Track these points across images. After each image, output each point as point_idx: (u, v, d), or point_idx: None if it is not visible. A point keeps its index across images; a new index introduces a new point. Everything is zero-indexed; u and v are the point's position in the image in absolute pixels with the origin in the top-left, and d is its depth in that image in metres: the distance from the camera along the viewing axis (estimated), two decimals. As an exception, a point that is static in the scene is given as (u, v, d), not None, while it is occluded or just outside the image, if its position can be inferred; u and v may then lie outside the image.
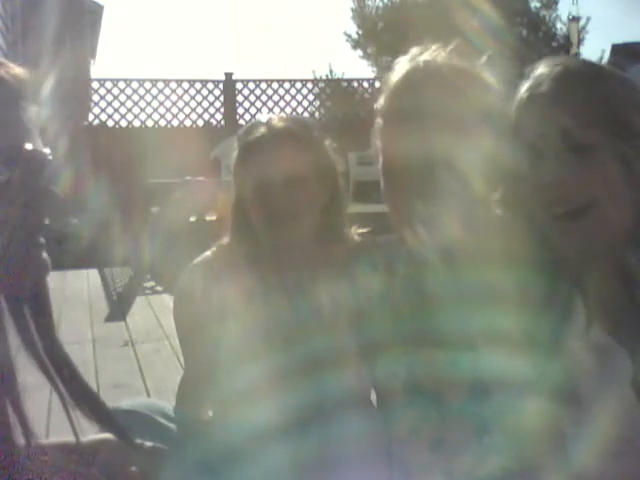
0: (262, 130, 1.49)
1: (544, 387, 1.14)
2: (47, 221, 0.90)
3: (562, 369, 1.12)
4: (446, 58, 1.32)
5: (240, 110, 13.83)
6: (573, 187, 1.05)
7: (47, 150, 0.89)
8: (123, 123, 13.29)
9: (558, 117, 1.06)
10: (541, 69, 1.12)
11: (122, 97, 13.21)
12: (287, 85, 14.16)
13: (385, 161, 1.33)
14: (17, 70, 0.87)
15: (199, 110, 13.65)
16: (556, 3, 14.85)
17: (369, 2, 14.96)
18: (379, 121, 1.34)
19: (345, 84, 14.69)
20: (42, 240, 0.89)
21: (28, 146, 0.85)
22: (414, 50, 1.35)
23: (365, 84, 14.83)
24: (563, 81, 1.08)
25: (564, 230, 1.08)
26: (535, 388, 1.15)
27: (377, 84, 14.35)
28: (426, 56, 1.32)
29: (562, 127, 1.06)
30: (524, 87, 1.13)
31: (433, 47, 1.34)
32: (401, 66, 1.33)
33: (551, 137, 1.06)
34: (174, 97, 13.54)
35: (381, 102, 1.34)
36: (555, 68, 1.10)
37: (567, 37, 14.44)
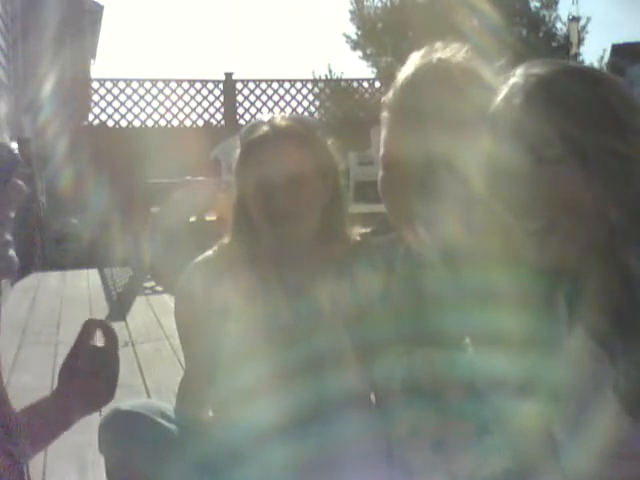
0: (265, 129, 1.49)
1: (540, 388, 1.13)
2: (12, 214, 0.90)
3: (558, 371, 1.12)
4: (460, 58, 1.31)
5: (240, 110, 13.82)
6: (552, 196, 1.05)
7: (14, 145, 0.89)
8: (123, 123, 13.28)
9: (537, 125, 1.05)
10: (515, 79, 1.11)
11: (122, 97, 13.20)
12: (287, 85, 14.14)
13: (386, 154, 1.33)
14: None
15: (199, 110, 13.64)
16: (556, 3, 14.82)
17: (367, 3, 14.94)
18: (385, 114, 1.34)
19: (345, 84, 14.67)
20: (8, 237, 0.88)
21: None
22: (436, 45, 1.34)
23: (365, 84, 14.82)
24: (539, 89, 1.07)
25: (539, 243, 1.07)
26: (532, 389, 1.15)
27: (377, 84, 14.34)
28: (441, 54, 1.32)
29: (543, 135, 1.05)
30: (500, 94, 1.12)
31: (452, 45, 1.33)
32: (412, 60, 1.33)
33: (532, 144, 1.06)
34: (174, 97, 13.52)
35: (389, 95, 1.34)
36: (530, 77, 1.09)
37: (567, 37, 14.41)
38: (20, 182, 0.89)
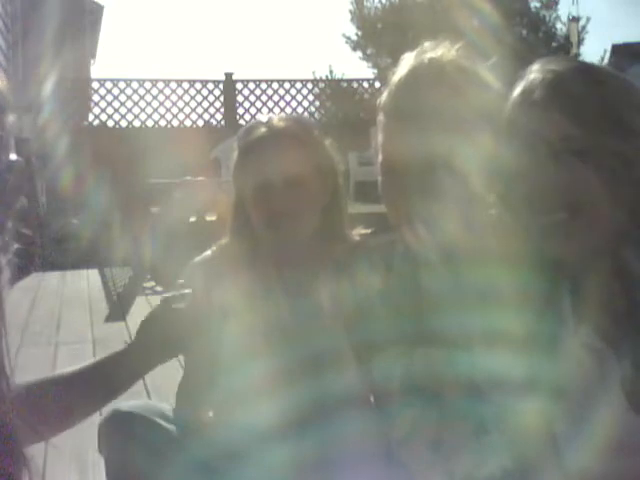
0: (262, 130, 1.49)
1: (541, 387, 1.14)
2: (10, 225, 0.90)
3: (559, 369, 1.12)
4: (452, 56, 1.31)
5: (240, 110, 13.81)
6: (570, 191, 1.05)
7: (20, 159, 0.90)
8: (123, 123, 13.27)
9: (556, 121, 1.06)
10: (534, 74, 1.12)
11: (122, 97, 13.19)
12: (287, 85, 14.14)
13: (385, 158, 1.33)
14: None
15: (199, 110, 13.63)
16: (556, 3, 14.83)
17: (367, 3, 14.93)
18: (380, 117, 1.34)
19: (345, 84, 14.67)
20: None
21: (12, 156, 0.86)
22: (425, 45, 1.34)
23: (365, 84, 14.81)
24: (558, 85, 1.08)
25: (560, 235, 1.08)
26: (533, 388, 1.15)
27: (377, 84, 14.34)
28: (432, 53, 1.32)
29: (560, 131, 1.05)
30: (518, 89, 1.13)
31: (443, 44, 1.33)
32: (406, 62, 1.33)
33: (549, 141, 1.06)
34: (174, 97, 13.51)
35: (383, 97, 1.34)
36: (548, 73, 1.10)
37: (567, 37, 14.42)
38: (22, 198, 0.90)
